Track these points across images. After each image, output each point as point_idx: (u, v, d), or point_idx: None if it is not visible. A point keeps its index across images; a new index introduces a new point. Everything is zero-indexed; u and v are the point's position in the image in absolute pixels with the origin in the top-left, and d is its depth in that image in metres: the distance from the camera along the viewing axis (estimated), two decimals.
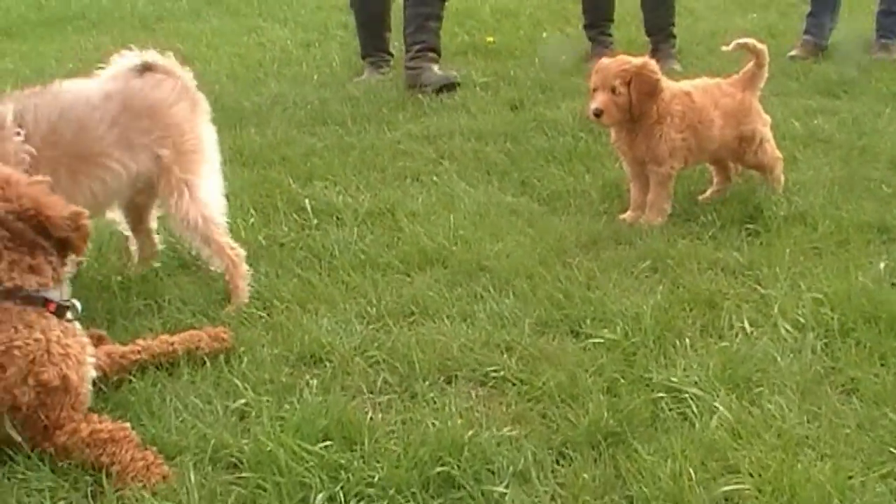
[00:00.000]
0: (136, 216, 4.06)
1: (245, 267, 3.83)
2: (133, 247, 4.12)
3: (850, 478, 2.62)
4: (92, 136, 3.55)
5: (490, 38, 7.85)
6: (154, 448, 2.80)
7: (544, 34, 8.02)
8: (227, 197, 4.61)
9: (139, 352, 3.23)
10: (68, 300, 2.97)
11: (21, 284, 2.79)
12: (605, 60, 4.37)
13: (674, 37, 6.98)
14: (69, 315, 2.94)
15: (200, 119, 3.90)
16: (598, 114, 4.21)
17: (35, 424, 2.77)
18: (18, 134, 3.39)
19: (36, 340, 2.75)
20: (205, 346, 3.34)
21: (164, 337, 3.34)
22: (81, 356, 2.88)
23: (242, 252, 3.86)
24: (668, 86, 4.34)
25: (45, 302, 2.85)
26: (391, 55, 7.17)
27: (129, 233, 4.09)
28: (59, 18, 9.16)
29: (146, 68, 3.76)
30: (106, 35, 8.54)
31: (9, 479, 2.72)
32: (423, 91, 6.50)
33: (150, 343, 3.29)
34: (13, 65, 6.45)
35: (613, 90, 4.19)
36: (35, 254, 2.83)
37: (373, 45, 7.11)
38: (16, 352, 2.70)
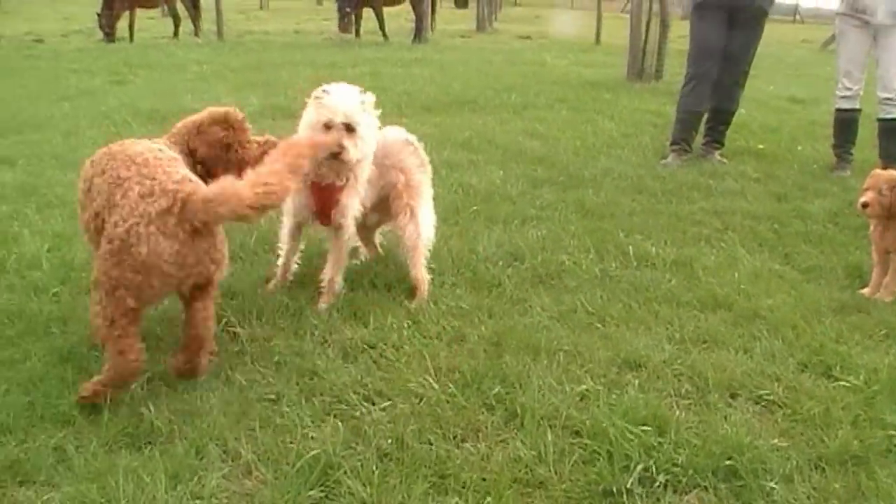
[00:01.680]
0: (371, 230, 4.26)
1: (428, 278, 3.86)
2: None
3: None
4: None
5: (761, 146, 7.50)
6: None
7: (799, 147, 7.59)
8: (573, 238, 4.65)
9: None
10: None
11: None
12: (878, 170, 4.15)
13: None
14: None
15: (424, 173, 3.95)
16: (865, 206, 3.97)
17: None
18: None
19: None
20: None
21: None
22: None
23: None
24: None
25: None
26: (691, 149, 6.93)
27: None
28: (460, 102, 9.41)
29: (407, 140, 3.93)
30: (490, 116, 8.72)
31: None
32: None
33: None
34: (430, 131, 6.66)
35: (880, 191, 3.93)
36: None
37: (682, 137, 6.89)
38: None
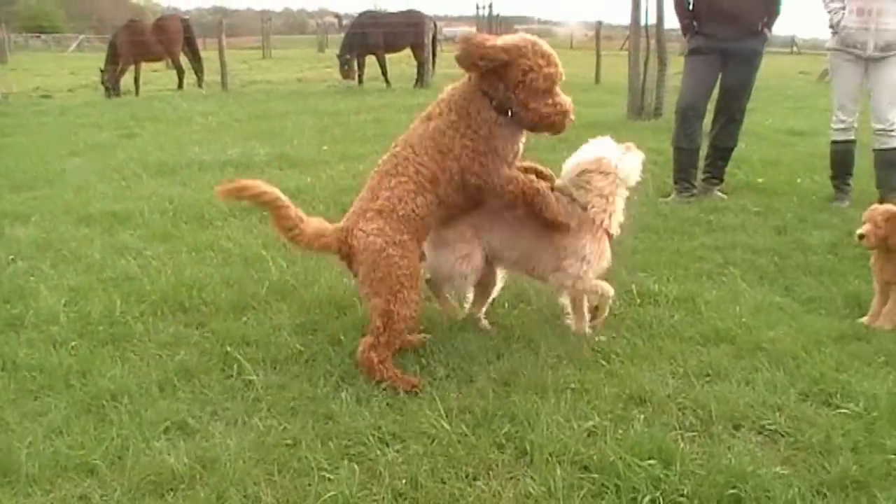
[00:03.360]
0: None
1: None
2: None
3: None
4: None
5: (760, 180, 7.61)
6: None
7: (798, 180, 7.68)
8: None
9: None
10: None
11: None
12: (877, 205, 4.27)
13: None
14: None
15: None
16: (862, 237, 4.08)
17: None
18: None
19: None
20: None
21: None
22: None
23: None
24: None
25: None
26: (694, 186, 7.05)
27: None
28: None
29: None
30: None
31: None
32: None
33: None
34: None
35: (875, 224, 4.04)
36: None
37: (682, 176, 7.04)
38: None
